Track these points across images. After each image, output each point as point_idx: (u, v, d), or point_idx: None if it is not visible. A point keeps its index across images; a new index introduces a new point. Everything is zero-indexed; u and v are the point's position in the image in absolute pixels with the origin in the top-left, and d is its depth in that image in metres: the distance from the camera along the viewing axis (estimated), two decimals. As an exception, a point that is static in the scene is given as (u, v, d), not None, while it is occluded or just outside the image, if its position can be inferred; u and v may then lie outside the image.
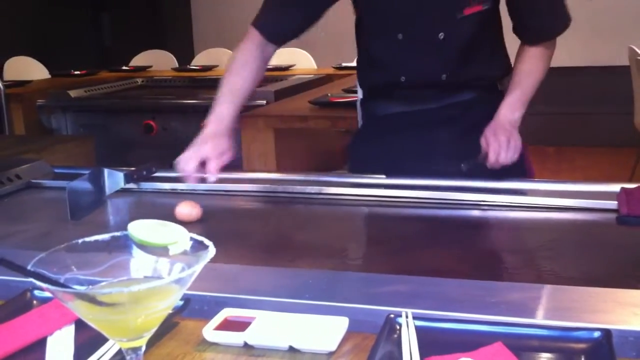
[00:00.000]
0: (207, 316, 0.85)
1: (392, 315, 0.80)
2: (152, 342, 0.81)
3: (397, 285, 0.92)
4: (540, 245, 1.22)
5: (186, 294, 0.87)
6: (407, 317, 0.80)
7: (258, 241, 1.32)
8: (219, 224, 1.41)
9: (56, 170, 1.71)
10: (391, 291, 0.90)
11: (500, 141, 1.50)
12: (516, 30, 1.65)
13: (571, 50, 6.02)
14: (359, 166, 1.73)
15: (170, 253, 0.69)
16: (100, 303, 0.62)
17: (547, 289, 0.90)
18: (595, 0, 5.96)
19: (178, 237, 0.69)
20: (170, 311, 0.68)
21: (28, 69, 5.29)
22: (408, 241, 1.27)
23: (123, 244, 0.70)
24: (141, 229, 0.70)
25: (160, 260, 0.69)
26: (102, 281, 0.67)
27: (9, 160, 1.77)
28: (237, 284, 0.96)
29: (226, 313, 0.86)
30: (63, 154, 2.44)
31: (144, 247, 0.69)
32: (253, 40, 1.63)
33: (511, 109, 1.58)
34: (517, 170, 1.55)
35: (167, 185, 1.58)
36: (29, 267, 0.64)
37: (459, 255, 1.17)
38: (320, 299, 0.88)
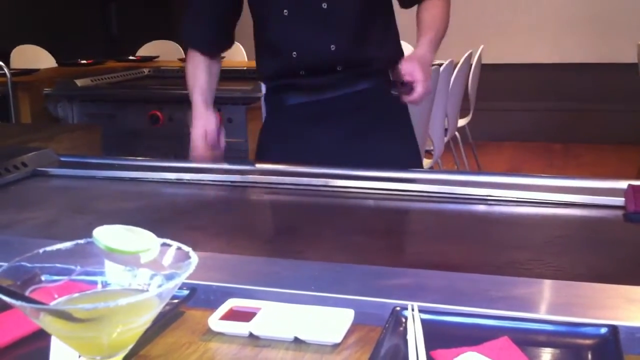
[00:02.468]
0: (213, 306, 0.85)
1: (398, 308, 0.80)
2: (157, 332, 0.82)
3: (404, 278, 0.92)
4: (547, 241, 1.22)
5: (192, 283, 0.87)
6: (413, 310, 0.79)
7: (264, 232, 1.32)
8: (225, 215, 1.41)
9: (62, 159, 1.72)
10: (397, 284, 0.90)
11: (425, 76, 1.59)
12: None
13: (578, 46, 6.01)
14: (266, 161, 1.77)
15: (142, 261, 0.63)
16: (74, 319, 0.56)
17: (554, 284, 0.89)
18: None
19: (149, 244, 0.63)
20: (146, 327, 0.61)
21: (35, 57, 5.29)
22: (415, 235, 1.26)
23: (89, 252, 0.63)
24: (108, 235, 0.63)
25: (133, 269, 0.63)
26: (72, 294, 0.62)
27: (16, 148, 1.77)
28: (243, 274, 0.96)
29: (232, 303, 0.86)
30: (69, 142, 2.44)
31: (112, 254, 0.63)
32: (195, 56, 1.79)
33: (428, 48, 1.67)
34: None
35: (172, 175, 1.57)
36: None
37: (466, 250, 1.17)
38: (326, 291, 0.88)
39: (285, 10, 1.65)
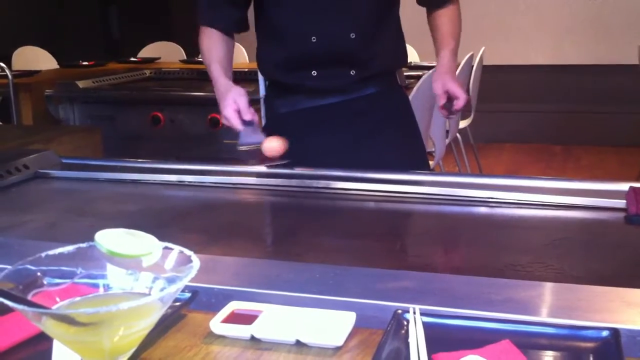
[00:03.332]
0: (215, 309, 0.85)
1: (399, 311, 0.80)
2: (159, 334, 0.82)
3: (405, 281, 0.92)
4: (548, 244, 1.22)
5: (194, 286, 0.87)
6: (414, 313, 0.79)
7: (266, 235, 1.32)
8: (227, 216, 1.41)
9: (64, 161, 1.72)
10: (399, 287, 0.90)
11: (460, 86, 1.68)
12: None
13: (578, 48, 6.01)
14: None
15: (144, 265, 0.63)
16: (75, 323, 0.56)
17: (555, 287, 0.89)
18: (604, -1, 5.94)
19: (150, 248, 0.63)
20: (148, 330, 0.61)
21: (36, 59, 5.30)
22: (416, 237, 1.26)
23: (91, 256, 0.63)
24: (110, 238, 0.63)
25: (135, 273, 0.63)
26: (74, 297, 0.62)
27: (17, 150, 1.77)
28: (245, 277, 0.96)
29: (233, 306, 0.86)
30: (71, 144, 2.44)
31: (114, 258, 0.63)
32: (211, 32, 1.72)
33: (452, 60, 1.74)
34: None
35: (173, 178, 1.57)
36: None
37: (467, 252, 1.17)
38: (327, 294, 0.88)
39: None
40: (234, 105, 1.59)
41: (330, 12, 1.64)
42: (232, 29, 1.74)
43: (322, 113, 1.70)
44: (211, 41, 1.71)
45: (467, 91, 4.39)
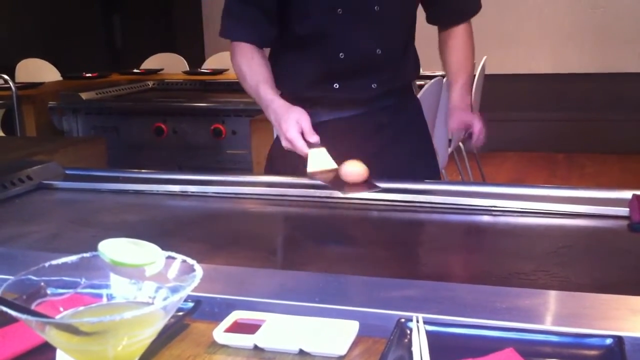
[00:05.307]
0: (218, 318, 0.85)
1: (402, 320, 0.80)
2: (163, 344, 0.82)
3: (408, 290, 0.92)
4: (552, 252, 1.21)
5: (197, 295, 0.87)
6: (417, 321, 0.79)
7: (269, 244, 1.32)
8: (230, 226, 1.41)
9: (67, 172, 1.72)
10: (402, 295, 0.90)
11: (478, 119, 1.70)
12: (434, 14, 1.77)
13: (581, 56, 6.01)
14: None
15: (147, 274, 0.63)
16: (79, 332, 0.56)
17: (559, 295, 0.89)
18: (605, 7, 5.95)
19: (153, 257, 0.63)
20: (152, 339, 0.61)
21: (40, 70, 5.32)
22: (419, 246, 1.26)
23: (94, 265, 0.64)
24: (113, 248, 0.63)
25: (138, 282, 0.63)
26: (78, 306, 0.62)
27: (21, 162, 1.78)
28: (248, 286, 0.96)
29: (236, 315, 0.86)
30: (74, 155, 2.45)
31: (117, 268, 0.63)
32: (244, 47, 1.64)
33: (467, 93, 1.76)
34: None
35: (176, 188, 1.57)
36: None
37: (470, 261, 1.17)
38: (330, 303, 0.88)
39: (339, 9, 1.60)
40: (297, 127, 1.48)
41: (358, 28, 1.62)
42: (266, 44, 1.68)
43: (343, 125, 1.68)
44: (253, 61, 1.62)
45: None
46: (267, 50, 1.72)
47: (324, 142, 1.51)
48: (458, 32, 1.78)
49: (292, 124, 1.48)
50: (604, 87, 6.02)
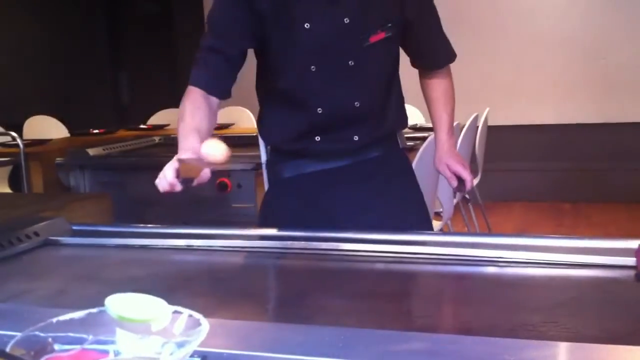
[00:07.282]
0: (224, 374, 0.84)
1: (410, 373, 0.79)
2: (168, 400, 0.81)
3: (415, 343, 0.91)
4: (560, 303, 1.21)
5: (203, 351, 0.87)
6: (425, 375, 0.79)
7: (274, 297, 1.32)
8: (235, 281, 1.41)
9: (74, 227, 1.73)
10: (409, 349, 0.89)
11: (465, 165, 1.83)
12: (417, 59, 1.84)
13: (585, 107, 6.06)
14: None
15: (153, 329, 0.63)
16: None
17: (567, 346, 0.88)
18: (609, 58, 6.02)
19: (160, 312, 0.64)
20: None
21: (47, 127, 5.39)
22: (426, 298, 1.25)
23: (101, 321, 0.64)
24: (119, 303, 0.64)
25: (144, 337, 0.63)
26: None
27: (28, 218, 1.79)
28: (254, 341, 0.95)
29: (243, 371, 0.85)
30: (81, 211, 2.46)
31: (124, 323, 0.63)
32: (196, 92, 1.63)
33: (449, 140, 1.86)
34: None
35: (182, 242, 1.58)
36: (7, 350, 0.59)
37: (478, 312, 1.16)
38: (337, 356, 0.87)
39: (312, 66, 1.64)
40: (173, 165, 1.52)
41: (335, 83, 1.66)
42: (222, 93, 1.65)
43: (326, 177, 1.71)
44: (198, 110, 1.59)
45: (473, 151, 4.42)
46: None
47: (311, 194, 1.66)
48: (440, 79, 1.86)
49: (172, 163, 1.50)
50: (607, 137, 6.05)
